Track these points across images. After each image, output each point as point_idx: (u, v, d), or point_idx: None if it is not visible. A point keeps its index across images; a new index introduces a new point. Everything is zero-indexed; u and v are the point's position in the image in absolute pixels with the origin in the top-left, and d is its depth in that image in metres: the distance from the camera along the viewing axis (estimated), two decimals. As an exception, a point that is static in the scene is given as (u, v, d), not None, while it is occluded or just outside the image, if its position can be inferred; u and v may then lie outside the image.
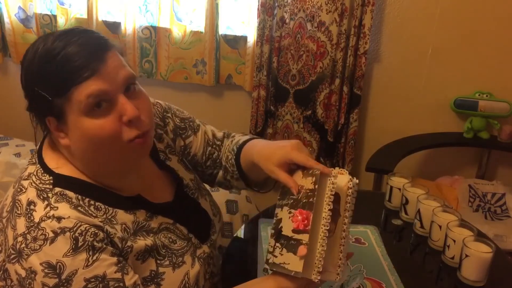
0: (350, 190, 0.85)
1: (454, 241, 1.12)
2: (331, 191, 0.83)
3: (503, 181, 2.05)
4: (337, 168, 0.88)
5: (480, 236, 1.13)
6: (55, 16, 2.51)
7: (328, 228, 0.82)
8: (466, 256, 1.07)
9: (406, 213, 1.32)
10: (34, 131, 0.88)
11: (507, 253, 1.50)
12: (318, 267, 0.80)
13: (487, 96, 2.11)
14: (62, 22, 2.48)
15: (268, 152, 0.94)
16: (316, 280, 0.81)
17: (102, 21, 2.45)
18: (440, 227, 1.18)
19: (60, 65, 0.77)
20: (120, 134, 0.82)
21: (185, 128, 1.12)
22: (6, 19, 2.60)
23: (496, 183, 2.03)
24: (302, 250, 0.80)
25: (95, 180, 0.88)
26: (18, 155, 2.17)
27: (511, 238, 1.78)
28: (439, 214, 1.19)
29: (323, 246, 0.81)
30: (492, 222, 1.86)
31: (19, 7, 2.57)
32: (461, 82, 2.16)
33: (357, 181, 0.86)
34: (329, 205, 0.82)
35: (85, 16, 2.45)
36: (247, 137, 1.13)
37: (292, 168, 0.92)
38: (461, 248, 1.08)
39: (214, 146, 1.15)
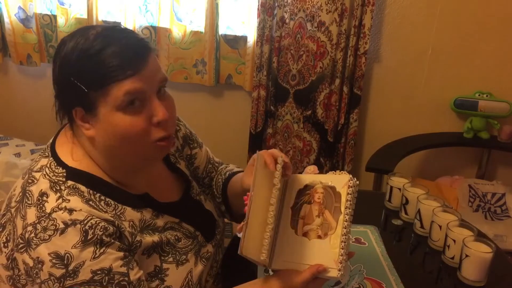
0: (350, 189, 0.87)
1: (454, 241, 1.12)
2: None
3: (503, 181, 2.05)
4: (337, 171, 0.92)
5: (480, 236, 1.13)
6: (55, 16, 2.51)
7: (273, 205, 0.87)
8: (466, 256, 1.07)
9: (406, 213, 1.32)
10: (56, 118, 0.90)
11: (507, 253, 1.50)
12: (265, 246, 0.83)
13: (487, 96, 2.11)
14: (62, 22, 2.48)
15: (246, 169, 1.02)
16: (262, 260, 0.83)
17: (102, 21, 2.45)
18: (440, 227, 1.18)
19: (102, 61, 0.79)
20: (147, 133, 0.85)
21: (193, 140, 1.15)
22: (6, 19, 2.60)
23: (496, 183, 2.04)
24: (239, 227, 0.84)
25: (108, 175, 0.89)
26: (18, 155, 2.17)
27: (511, 238, 1.78)
28: (439, 214, 1.19)
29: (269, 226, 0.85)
30: (492, 222, 1.87)
31: (19, 7, 2.57)
32: (461, 82, 2.16)
33: (357, 181, 0.88)
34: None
35: (85, 16, 2.45)
36: (241, 169, 1.19)
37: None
38: (461, 248, 1.08)
39: (213, 165, 1.20)
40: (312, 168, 0.96)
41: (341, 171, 0.91)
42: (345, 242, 0.84)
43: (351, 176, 0.88)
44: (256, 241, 0.85)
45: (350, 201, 0.86)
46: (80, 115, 0.84)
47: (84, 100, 0.82)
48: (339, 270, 0.82)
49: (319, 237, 0.87)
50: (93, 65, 0.80)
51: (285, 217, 0.92)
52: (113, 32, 0.83)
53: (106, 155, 0.88)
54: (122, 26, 0.88)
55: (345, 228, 0.85)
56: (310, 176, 0.95)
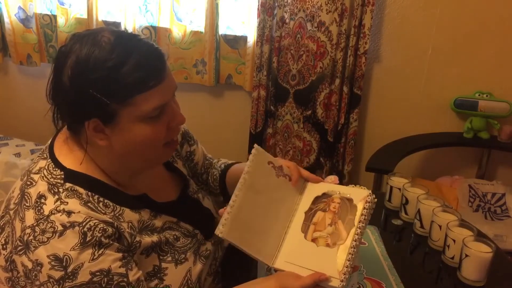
0: (367, 204, 0.88)
1: (454, 241, 1.12)
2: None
3: (503, 181, 2.05)
4: (357, 185, 0.93)
5: (480, 236, 1.13)
6: (55, 16, 2.51)
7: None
8: (466, 256, 1.07)
9: (406, 213, 1.32)
10: (55, 126, 0.90)
11: (507, 253, 1.50)
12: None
13: (487, 96, 2.11)
14: (62, 22, 2.48)
15: None
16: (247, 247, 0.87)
17: (102, 21, 2.45)
18: (440, 227, 1.18)
19: (127, 73, 0.79)
20: (163, 137, 0.87)
21: (190, 136, 1.17)
22: (6, 19, 2.60)
23: (496, 183, 2.04)
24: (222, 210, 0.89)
25: (107, 176, 0.89)
26: (18, 155, 2.17)
27: (511, 238, 1.78)
28: (439, 214, 1.19)
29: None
30: (492, 222, 1.87)
31: (19, 7, 2.57)
32: (461, 82, 2.16)
33: (376, 199, 0.89)
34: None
35: (85, 16, 2.45)
36: (234, 161, 1.23)
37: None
38: (461, 248, 1.08)
39: (209, 160, 1.23)
40: (333, 178, 0.98)
41: (362, 186, 0.92)
42: (352, 255, 0.84)
43: (370, 192, 0.89)
44: (241, 226, 0.87)
45: (365, 215, 0.87)
46: (94, 125, 0.83)
47: (104, 112, 0.81)
48: (342, 281, 0.82)
49: (328, 245, 0.87)
50: (117, 76, 0.79)
51: (297, 220, 0.93)
52: (129, 41, 0.82)
53: (118, 161, 0.88)
54: (132, 33, 0.86)
55: (355, 241, 0.85)
56: (329, 185, 0.96)
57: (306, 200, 0.95)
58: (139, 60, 0.80)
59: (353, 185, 0.94)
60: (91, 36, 0.81)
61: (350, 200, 0.90)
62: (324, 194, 0.94)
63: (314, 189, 0.96)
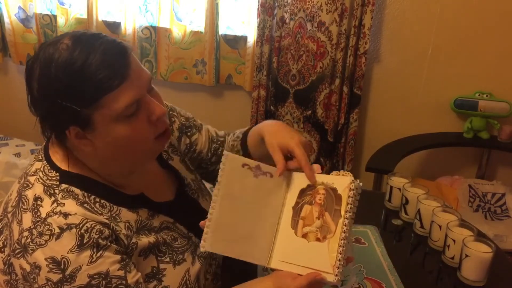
0: (351, 192, 0.85)
1: (454, 241, 1.12)
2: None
3: (503, 181, 2.05)
4: (341, 171, 0.90)
5: (480, 236, 1.13)
6: (55, 16, 2.51)
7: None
8: (466, 256, 1.07)
9: (406, 213, 1.32)
10: (44, 138, 0.88)
11: (507, 253, 1.50)
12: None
13: (487, 96, 2.11)
14: (62, 22, 2.48)
15: (276, 130, 0.99)
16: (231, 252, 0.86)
17: (102, 21, 2.45)
18: (440, 227, 1.18)
19: (89, 76, 0.76)
20: (150, 133, 0.85)
21: (190, 126, 1.15)
22: (6, 19, 2.60)
23: (496, 183, 2.04)
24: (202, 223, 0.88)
25: (102, 178, 0.89)
26: (18, 155, 2.18)
27: (511, 238, 1.78)
28: (439, 214, 1.19)
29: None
30: (492, 222, 1.87)
31: (19, 7, 2.57)
32: (461, 82, 2.16)
33: (361, 183, 0.86)
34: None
35: (85, 16, 2.45)
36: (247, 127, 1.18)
37: (287, 156, 0.95)
38: (461, 248, 1.08)
39: (218, 142, 1.19)
40: (315, 167, 0.93)
41: (345, 172, 0.89)
42: (343, 247, 0.82)
43: (353, 178, 0.86)
44: (225, 236, 0.87)
45: (350, 204, 0.84)
46: (74, 133, 0.81)
47: (78, 119, 0.79)
48: (336, 275, 0.81)
49: (318, 239, 0.85)
50: (81, 81, 0.76)
51: (286, 216, 0.91)
52: (87, 43, 0.78)
53: (105, 163, 0.87)
54: (91, 31, 0.83)
55: (344, 232, 0.83)
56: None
57: (292, 195, 0.93)
58: (99, 60, 0.77)
59: (336, 172, 0.91)
60: (52, 45, 0.79)
61: (334, 190, 0.87)
62: (308, 186, 0.91)
63: (298, 182, 0.93)
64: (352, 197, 0.85)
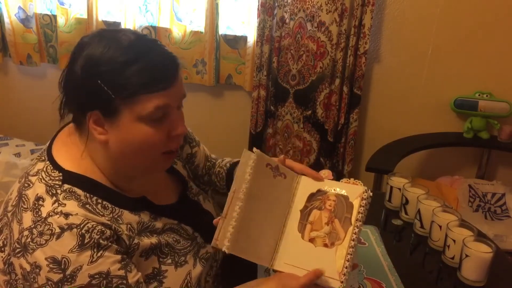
0: (364, 201, 0.86)
1: (454, 241, 1.12)
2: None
3: (503, 181, 2.05)
4: (351, 179, 0.91)
5: (480, 236, 1.13)
6: (55, 16, 2.51)
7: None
8: (466, 256, 1.07)
9: (406, 213, 1.32)
10: (60, 115, 0.89)
11: (507, 253, 1.50)
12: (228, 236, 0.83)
13: (487, 96, 2.11)
14: (62, 22, 2.48)
15: None
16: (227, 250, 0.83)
17: (102, 21, 2.45)
18: (440, 227, 1.18)
19: (142, 69, 0.80)
20: (162, 146, 0.87)
21: (192, 138, 1.16)
22: (6, 19, 2.60)
23: (496, 183, 2.04)
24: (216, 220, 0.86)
25: (106, 178, 0.89)
26: (18, 155, 2.18)
27: (511, 238, 1.78)
28: (439, 214, 1.19)
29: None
30: (492, 222, 1.87)
31: (19, 7, 2.57)
32: (461, 82, 2.16)
33: (371, 193, 0.87)
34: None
35: (85, 16, 2.45)
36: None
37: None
38: (461, 248, 1.08)
39: (211, 162, 1.21)
40: (327, 173, 0.94)
41: (355, 180, 0.90)
42: (351, 255, 0.83)
43: (365, 188, 0.87)
44: (244, 237, 0.85)
45: (362, 213, 0.85)
46: (94, 118, 0.83)
47: (107, 105, 0.81)
48: (342, 282, 0.81)
49: (326, 245, 0.85)
50: (124, 73, 0.79)
51: (293, 219, 0.90)
52: (147, 43, 0.83)
53: (113, 161, 0.88)
54: (154, 38, 0.88)
55: (353, 240, 0.84)
56: (324, 181, 0.93)
57: (300, 198, 0.92)
58: (151, 61, 0.81)
59: (347, 179, 0.91)
60: (113, 33, 0.83)
61: (345, 198, 0.88)
62: (318, 191, 0.91)
63: (308, 186, 0.93)
64: (363, 207, 0.86)
